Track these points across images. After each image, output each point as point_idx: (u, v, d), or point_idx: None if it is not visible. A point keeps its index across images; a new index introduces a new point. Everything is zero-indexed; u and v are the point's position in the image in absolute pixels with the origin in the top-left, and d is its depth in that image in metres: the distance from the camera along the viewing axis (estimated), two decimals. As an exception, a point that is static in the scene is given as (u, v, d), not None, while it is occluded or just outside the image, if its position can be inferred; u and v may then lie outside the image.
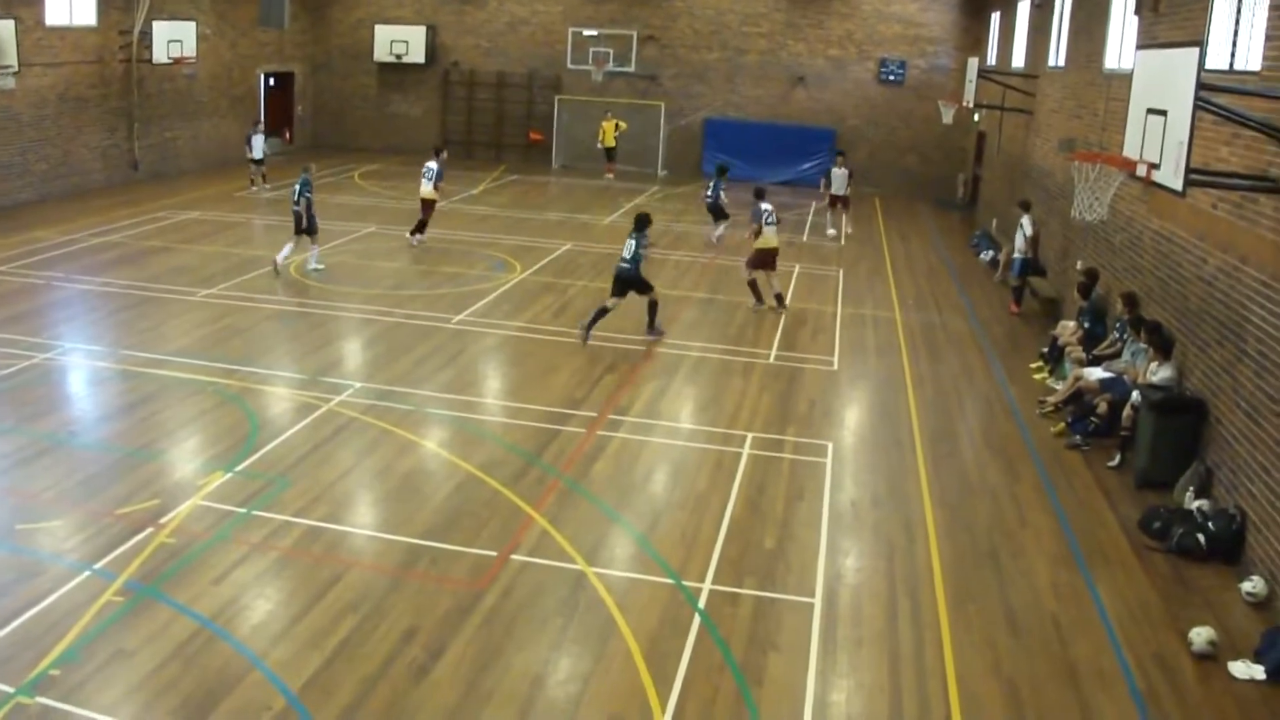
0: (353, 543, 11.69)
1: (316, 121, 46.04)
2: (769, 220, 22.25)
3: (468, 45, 44.46)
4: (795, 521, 12.79)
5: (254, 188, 33.97)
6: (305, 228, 23.47)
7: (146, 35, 33.61)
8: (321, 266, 23.85)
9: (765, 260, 22.46)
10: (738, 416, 16.23)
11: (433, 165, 26.49)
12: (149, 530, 11.45)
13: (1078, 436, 15.88)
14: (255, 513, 12.05)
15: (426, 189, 26.49)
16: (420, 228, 26.83)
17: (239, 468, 13.21)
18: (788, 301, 22.96)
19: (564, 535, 11.98)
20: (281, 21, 42.35)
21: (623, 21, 42.76)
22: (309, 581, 10.72)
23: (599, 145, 40.90)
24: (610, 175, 40.71)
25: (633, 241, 19.60)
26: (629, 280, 19.57)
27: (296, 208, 23.37)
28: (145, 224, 27.69)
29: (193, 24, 35.56)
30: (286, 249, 23.45)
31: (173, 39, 34.20)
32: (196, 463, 13.38)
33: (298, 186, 23.51)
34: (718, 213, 29.17)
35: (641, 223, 19.83)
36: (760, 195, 22.88)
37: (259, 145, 34.08)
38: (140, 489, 12.47)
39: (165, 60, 34.16)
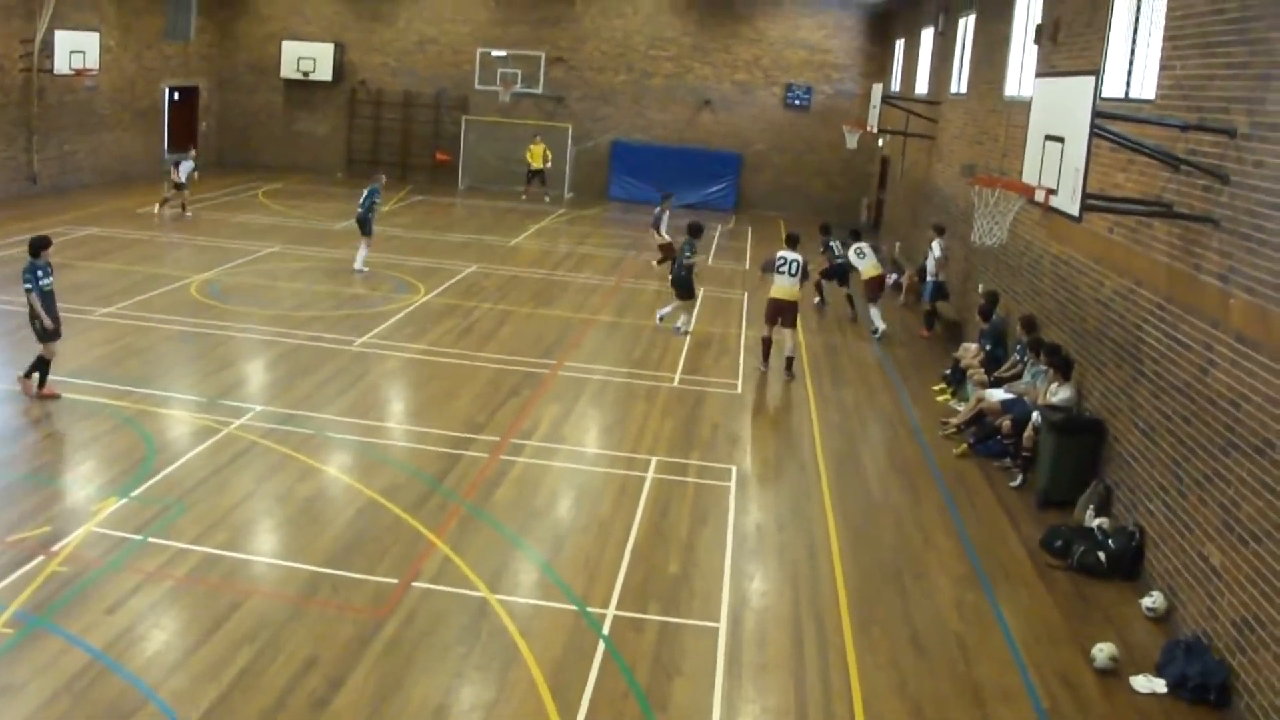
0: (251, 570, 11.49)
1: (221, 137, 45.39)
2: (778, 266, 20.29)
3: (375, 63, 44.22)
4: (699, 546, 12.80)
5: (158, 209, 32.05)
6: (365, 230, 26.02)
7: (48, 45, 33.04)
8: (365, 269, 26.18)
9: (774, 311, 20.36)
10: (641, 440, 16.22)
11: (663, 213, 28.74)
12: (40, 558, 11.15)
13: (1006, 460, 16.09)
14: (151, 539, 11.79)
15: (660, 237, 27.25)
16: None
17: (135, 493, 12.93)
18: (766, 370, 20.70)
19: (466, 562, 11.89)
20: (187, 34, 41.97)
21: (531, 43, 42.79)
22: (206, 610, 10.51)
23: (529, 167, 40.82)
24: (525, 197, 40.67)
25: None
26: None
27: (363, 212, 25.84)
28: (41, 240, 27.02)
29: (96, 35, 34.96)
30: (362, 253, 26.06)
31: (75, 50, 33.63)
32: (90, 488, 13.08)
33: (366, 193, 25.98)
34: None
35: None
36: (791, 242, 20.89)
37: (186, 169, 31.86)
38: (31, 515, 12.14)
39: (67, 71, 33.56)
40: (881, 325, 23.73)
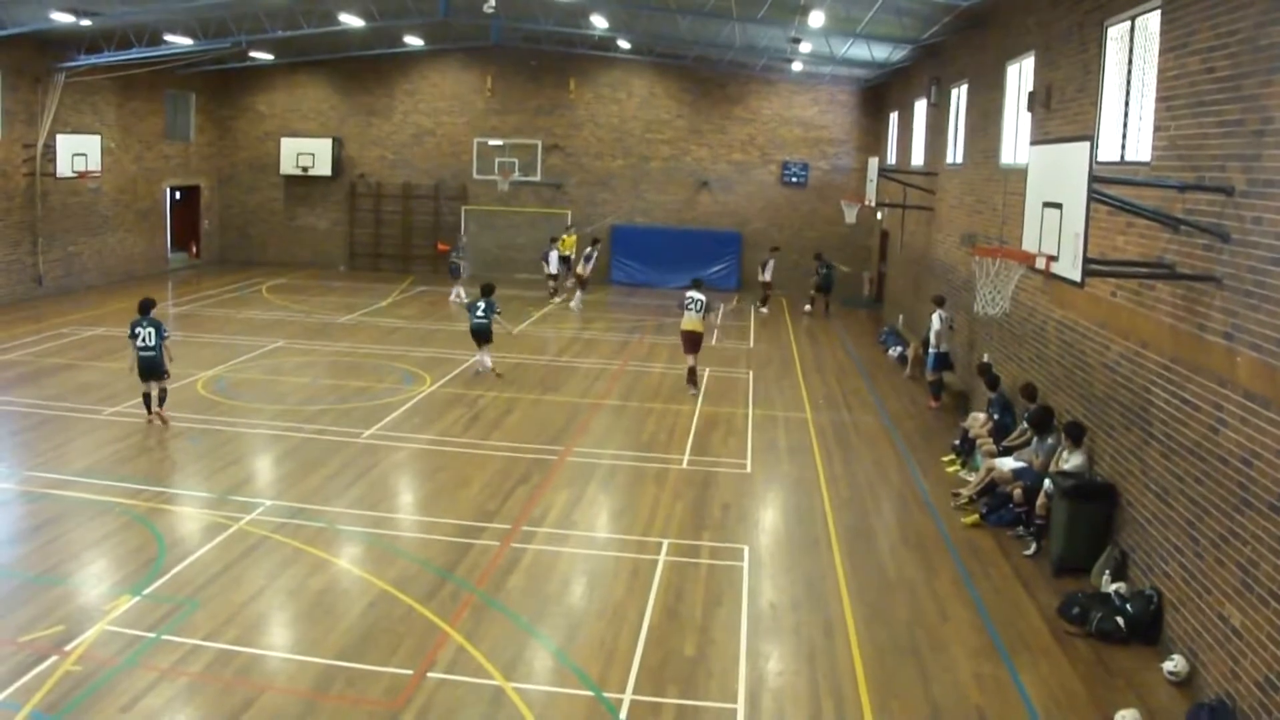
0: (265, 665, 11.42)
1: (223, 235, 45.82)
2: (686, 305, 24.33)
3: (373, 157, 44.66)
4: (715, 627, 12.71)
5: (556, 299, 37.95)
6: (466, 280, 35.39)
7: (50, 149, 33.56)
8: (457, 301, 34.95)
9: (688, 341, 24.57)
10: (652, 523, 16.16)
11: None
12: (54, 658, 11.11)
13: (1019, 529, 16.02)
14: (164, 637, 11.74)
15: None
16: None
17: (147, 591, 12.89)
18: (697, 393, 24.50)
19: (480, 651, 11.81)
20: (187, 134, 42.47)
21: (527, 131, 43.22)
22: (221, 707, 10.44)
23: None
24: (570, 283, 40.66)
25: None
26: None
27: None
28: (49, 340, 27.28)
29: (97, 138, 35.49)
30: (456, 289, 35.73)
31: (77, 152, 34.06)
32: (103, 586, 13.04)
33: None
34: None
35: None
36: (694, 285, 25.31)
37: (554, 260, 38.46)
38: (44, 615, 12.10)
39: (69, 174, 33.98)
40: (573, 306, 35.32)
